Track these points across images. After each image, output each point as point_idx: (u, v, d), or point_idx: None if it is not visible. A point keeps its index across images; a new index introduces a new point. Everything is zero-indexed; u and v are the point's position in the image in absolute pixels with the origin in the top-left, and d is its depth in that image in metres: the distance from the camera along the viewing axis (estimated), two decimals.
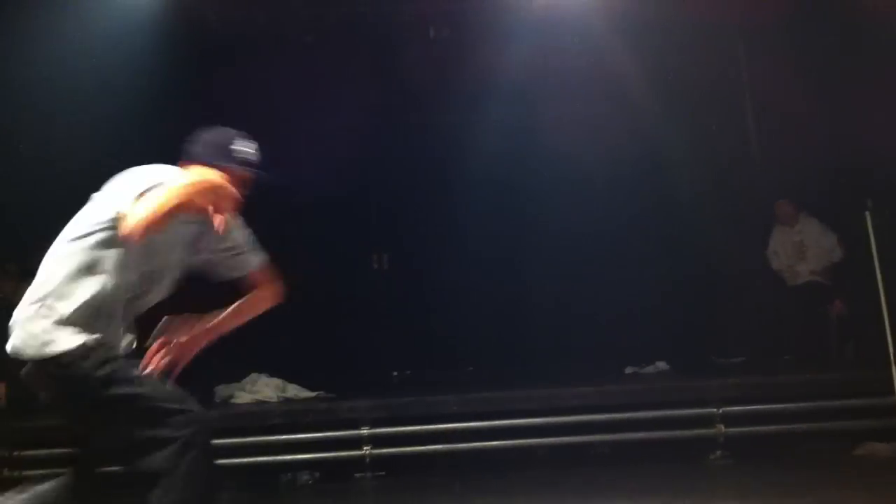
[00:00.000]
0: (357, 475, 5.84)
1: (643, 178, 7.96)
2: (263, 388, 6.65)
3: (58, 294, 2.72)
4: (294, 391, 6.73)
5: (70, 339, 2.68)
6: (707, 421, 5.86)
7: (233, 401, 6.59)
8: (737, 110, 8.44)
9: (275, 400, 6.57)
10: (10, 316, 2.72)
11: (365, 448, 5.85)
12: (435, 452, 5.93)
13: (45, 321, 2.70)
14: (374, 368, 8.01)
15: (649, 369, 7.38)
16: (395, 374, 8.25)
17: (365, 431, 5.87)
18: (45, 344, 2.69)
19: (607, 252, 7.95)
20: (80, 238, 2.77)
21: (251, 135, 2.99)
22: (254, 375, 6.78)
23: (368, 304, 8.33)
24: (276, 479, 5.85)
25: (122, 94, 6.75)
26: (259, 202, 2.94)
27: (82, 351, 2.68)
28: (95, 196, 2.87)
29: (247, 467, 5.72)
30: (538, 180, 8.05)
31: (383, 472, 5.85)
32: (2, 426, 5.61)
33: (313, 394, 6.72)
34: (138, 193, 2.65)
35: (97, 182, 2.88)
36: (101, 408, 2.72)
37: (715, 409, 5.86)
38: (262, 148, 2.98)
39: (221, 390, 6.75)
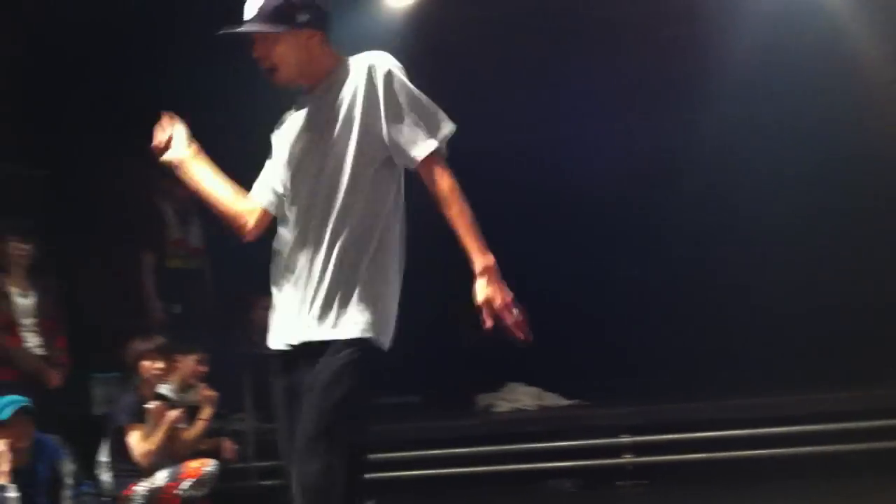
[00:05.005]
0: (619, 483, 5.81)
1: (880, 175, 7.37)
2: (522, 397, 6.77)
3: None
4: (551, 399, 6.80)
5: None
6: None
7: (493, 409, 6.76)
8: None
9: (533, 408, 6.67)
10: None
11: (625, 456, 5.82)
12: (698, 461, 5.78)
13: None
14: (630, 377, 7.93)
15: None
16: (651, 381, 8.10)
17: (624, 439, 5.84)
18: None
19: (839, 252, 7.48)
20: None
21: None
22: (512, 384, 6.91)
23: (624, 314, 8.26)
24: (538, 487, 5.93)
25: None
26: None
27: None
28: None
29: (509, 474, 5.84)
30: (767, 179, 7.67)
31: (646, 481, 5.78)
32: None
33: (571, 402, 6.76)
34: None
35: None
36: None
37: None
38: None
39: (482, 399, 6.94)
